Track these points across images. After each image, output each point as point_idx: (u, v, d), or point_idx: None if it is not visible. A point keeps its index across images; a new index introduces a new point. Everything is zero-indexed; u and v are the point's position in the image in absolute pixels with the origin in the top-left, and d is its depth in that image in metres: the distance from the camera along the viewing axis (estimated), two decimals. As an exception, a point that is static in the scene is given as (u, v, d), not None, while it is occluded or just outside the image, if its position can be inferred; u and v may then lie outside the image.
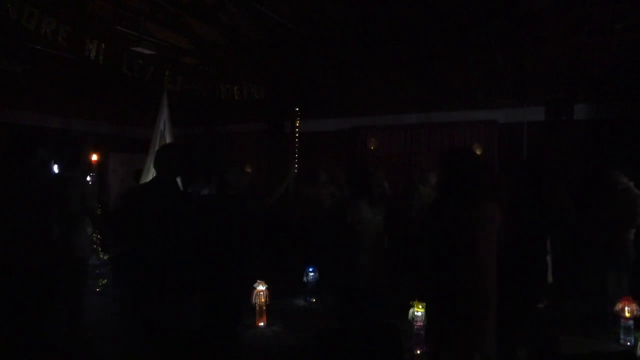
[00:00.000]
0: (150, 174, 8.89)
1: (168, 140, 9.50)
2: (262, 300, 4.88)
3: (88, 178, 4.14)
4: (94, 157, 9.28)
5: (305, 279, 5.77)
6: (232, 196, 3.73)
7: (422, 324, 4.11)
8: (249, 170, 9.99)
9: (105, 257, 7.64)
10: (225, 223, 3.57)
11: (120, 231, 3.01)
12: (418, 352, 4.08)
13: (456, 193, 2.70)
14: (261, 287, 4.87)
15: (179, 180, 3.20)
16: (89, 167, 7.83)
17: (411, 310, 4.27)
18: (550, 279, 4.56)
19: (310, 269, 5.78)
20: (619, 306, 4.45)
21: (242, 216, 3.70)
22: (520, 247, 3.38)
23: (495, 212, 2.71)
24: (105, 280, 5.96)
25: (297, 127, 10.04)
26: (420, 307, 4.19)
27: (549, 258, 4.07)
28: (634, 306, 4.39)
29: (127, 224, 2.93)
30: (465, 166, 2.73)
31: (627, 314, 4.38)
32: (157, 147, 9.25)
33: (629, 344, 4.31)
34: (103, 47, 7.02)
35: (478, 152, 8.72)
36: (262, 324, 4.86)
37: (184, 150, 3.35)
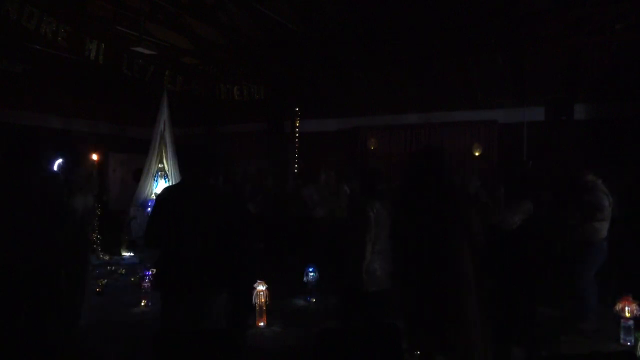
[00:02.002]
0: (150, 174, 8.93)
1: (168, 140, 9.52)
2: (262, 300, 4.87)
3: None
4: (94, 157, 9.30)
5: (305, 279, 5.77)
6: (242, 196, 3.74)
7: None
8: (251, 169, 10.00)
9: (106, 258, 7.65)
10: (237, 223, 3.56)
11: (161, 233, 2.95)
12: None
13: (422, 192, 2.73)
14: (261, 287, 4.87)
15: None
16: (89, 167, 7.83)
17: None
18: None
19: (310, 269, 5.78)
20: (619, 306, 4.45)
21: (250, 216, 3.71)
22: (511, 246, 3.40)
23: (466, 211, 2.73)
24: (106, 281, 5.96)
25: (297, 127, 10.05)
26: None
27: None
28: (634, 306, 4.38)
29: (170, 225, 2.89)
30: (430, 166, 2.75)
31: (627, 314, 4.38)
32: (157, 147, 9.32)
33: (629, 344, 4.31)
34: (103, 47, 7.03)
35: (477, 152, 8.72)
36: (262, 324, 4.86)
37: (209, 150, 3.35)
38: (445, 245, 2.65)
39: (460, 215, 2.69)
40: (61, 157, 4.22)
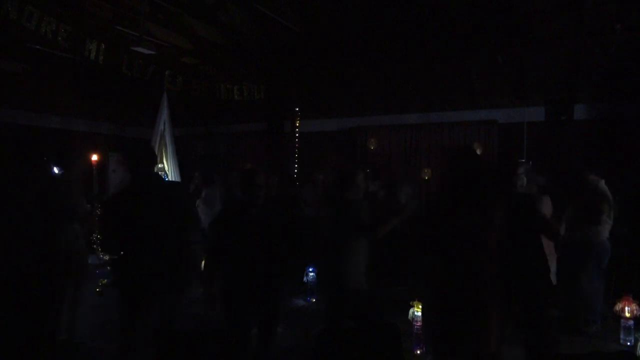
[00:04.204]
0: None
1: (168, 140, 9.51)
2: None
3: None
4: (94, 157, 9.31)
5: (305, 279, 5.78)
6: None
7: (422, 323, 4.11)
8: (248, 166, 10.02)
9: (106, 258, 7.65)
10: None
11: (119, 234, 2.96)
12: (418, 352, 4.08)
13: (466, 194, 2.60)
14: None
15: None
16: (87, 167, 7.84)
17: (411, 310, 4.27)
18: (554, 280, 4.53)
19: (310, 269, 5.79)
20: (619, 306, 4.45)
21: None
22: (517, 247, 3.38)
23: (499, 213, 2.65)
24: (105, 280, 5.96)
25: (297, 127, 10.05)
26: (420, 307, 4.19)
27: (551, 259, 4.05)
28: (634, 306, 4.39)
29: (127, 225, 2.90)
30: (471, 166, 2.64)
31: (627, 314, 4.38)
32: (157, 147, 9.31)
33: (629, 344, 4.31)
34: (103, 47, 7.03)
35: (478, 152, 8.70)
36: (262, 324, 4.85)
37: (149, 146, 3.37)
38: (485, 246, 2.54)
39: (497, 217, 2.58)
40: (61, 158, 4.22)
